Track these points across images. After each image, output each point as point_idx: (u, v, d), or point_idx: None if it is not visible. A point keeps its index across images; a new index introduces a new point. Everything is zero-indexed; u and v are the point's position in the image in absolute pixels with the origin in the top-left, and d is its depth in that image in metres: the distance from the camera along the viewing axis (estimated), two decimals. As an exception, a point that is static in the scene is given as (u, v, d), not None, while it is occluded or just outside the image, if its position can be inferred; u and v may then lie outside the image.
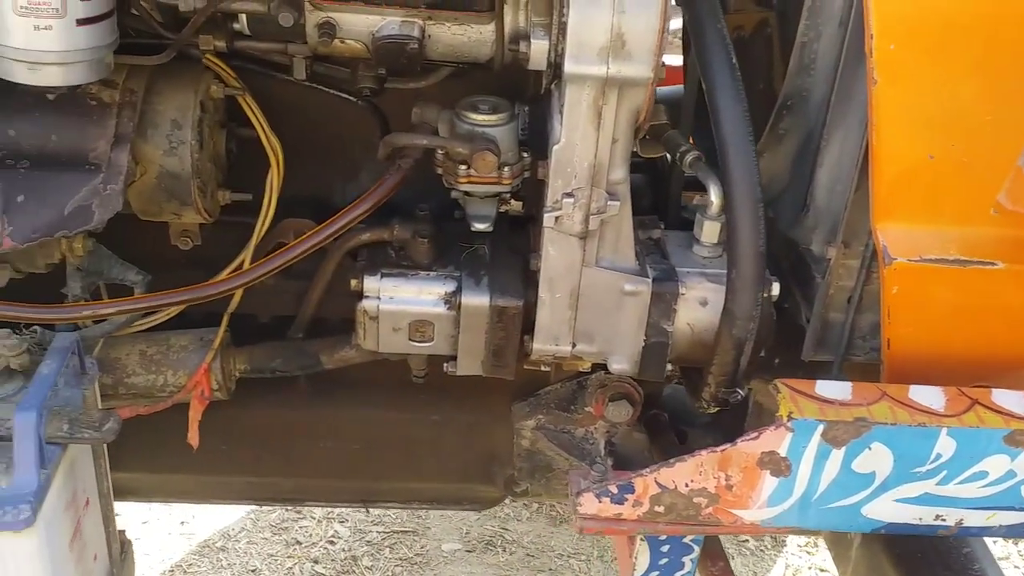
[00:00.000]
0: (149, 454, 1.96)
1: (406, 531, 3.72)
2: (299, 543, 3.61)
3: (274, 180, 1.75)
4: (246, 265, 1.77)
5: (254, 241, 1.77)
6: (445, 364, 1.73)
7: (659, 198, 1.96)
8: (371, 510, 3.57)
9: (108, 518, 1.61)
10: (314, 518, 3.72)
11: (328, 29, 1.46)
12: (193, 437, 1.85)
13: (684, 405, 2.17)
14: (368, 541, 3.66)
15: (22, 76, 1.40)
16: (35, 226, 1.51)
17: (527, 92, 1.74)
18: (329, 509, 3.74)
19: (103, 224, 1.52)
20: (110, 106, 1.57)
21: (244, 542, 3.58)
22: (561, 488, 2.12)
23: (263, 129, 1.72)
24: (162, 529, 3.56)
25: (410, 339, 1.67)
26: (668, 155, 1.85)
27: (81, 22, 1.38)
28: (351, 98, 1.74)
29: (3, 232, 1.51)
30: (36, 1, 1.33)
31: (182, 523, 3.60)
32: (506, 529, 3.75)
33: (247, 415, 2.01)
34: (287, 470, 2.10)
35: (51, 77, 1.41)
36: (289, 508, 3.49)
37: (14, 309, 1.47)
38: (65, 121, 1.56)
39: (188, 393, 1.81)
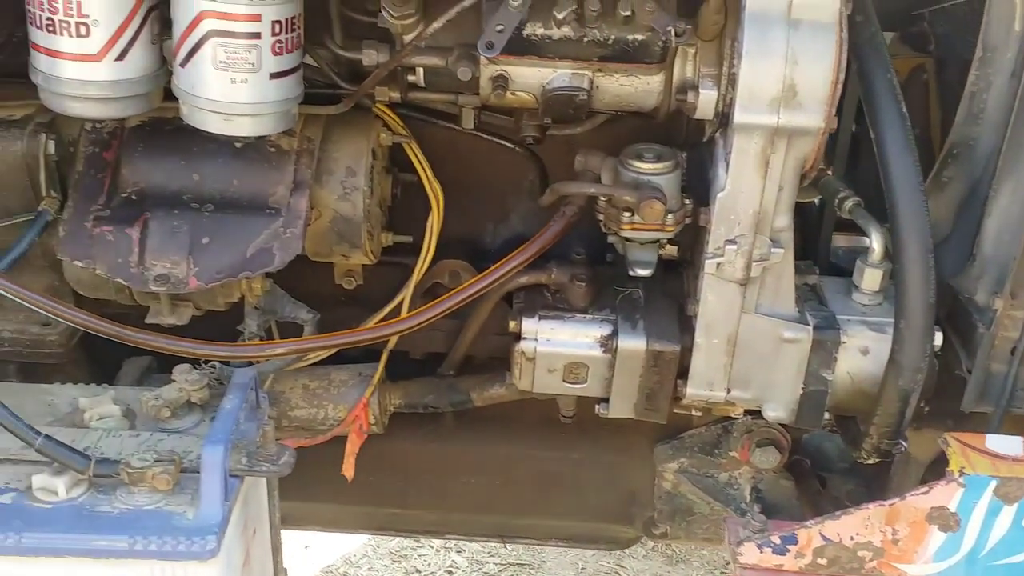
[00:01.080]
0: (301, 484, 2.04)
1: (522, 564, 3.74)
2: (418, 571, 3.66)
3: (434, 223, 1.81)
4: (406, 304, 1.83)
5: (414, 281, 1.83)
6: (597, 406, 1.75)
7: (807, 242, 1.95)
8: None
9: (276, 548, 1.67)
10: (432, 547, 3.77)
11: (502, 82, 1.51)
12: (349, 469, 1.91)
13: (822, 450, 2.15)
14: (485, 572, 3.69)
15: (216, 126, 1.49)
16: (219, 267, 1.60)
17: (679, 138, 1.77)
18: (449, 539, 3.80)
19: (283, 266, 1.60)
20: (289, 153, 1.65)
21: (365, 568, 3.66)
22: (701, 532, 2.11)
23: (426, 174, 1.79)
24: (285, 553, 3.66)
25: (564, 380, 1.70)
26: (819, 199, 1.85)
27: (273, 76, 1.46)
28: (509, 145, 1.80)
29: (189, 272, 1.60)
30: (234, 57, 1.42)
31: (305, 547, 3.69)
32: (622, 566, 3.74)
33: (394, 448, 2.06)
34: (430, 503, 2.15)
35: (243, 128, 1.49)
36: (408, 536, 3.53)
37: (200, 346, 1.55)
38: (247, 167, 1.65)
39: (347, 427, 1.88)
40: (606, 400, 1.73)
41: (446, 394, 1.94)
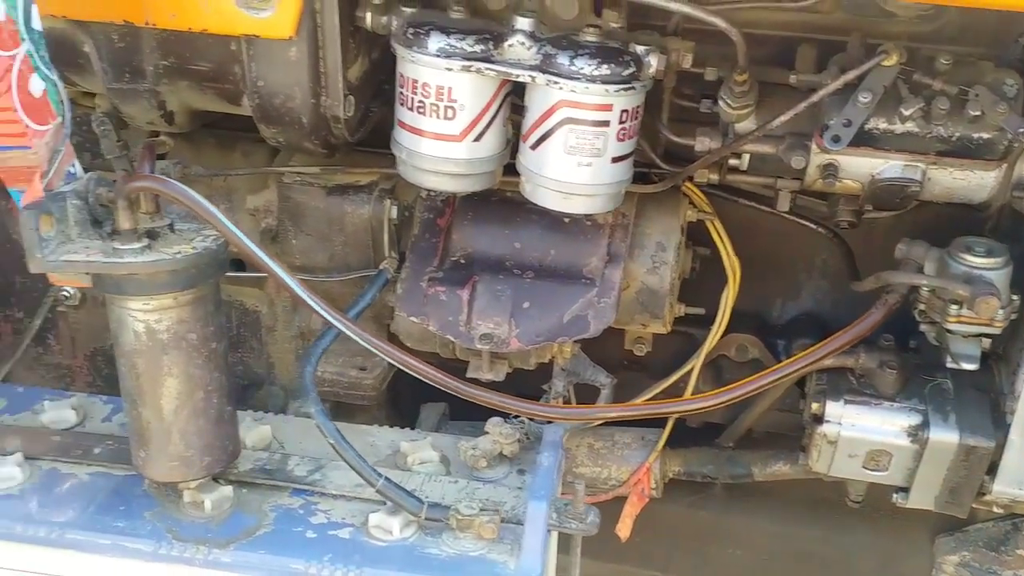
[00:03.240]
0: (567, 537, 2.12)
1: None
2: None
3: (730, 296, 1.86)
4: (695, 374, 1.89)
5: (705, 351, 1.88)
6: (894, 495, 1.73)
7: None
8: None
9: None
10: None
11: (832, 171, 1.55)
12: (625, 531, 1.97)
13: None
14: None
15: (555, 203, 1.60)
16: (539, 331, 1.71)
17: (980, 228, 1.75)
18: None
19: (597, 334, 1.69)
20: (604, 227, 1.75)
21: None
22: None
23: (726, 250, 1.84)
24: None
25: (864, 466, 1.70)
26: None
27: (614, 160, 1.56)
28: (813, 226, 1.83)
29: (511, 333, 1.72)
30: (583, 142, 1.52)
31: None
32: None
33: (662, 512, 2.11)
34: (692, 571, 2.17)
35: (580, 206, 1.60)
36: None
37: (527, 406, 1.64)
38: (564, 239, 1.76)
39: (627, 489, 1.94)
40: (905, 489, 1.71)
41: (726, 466, 1.97)
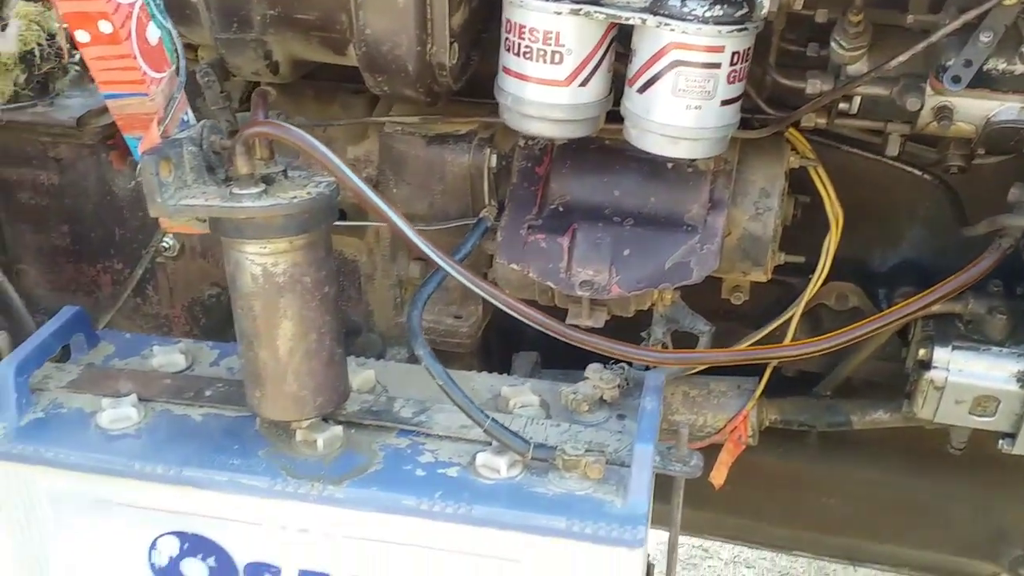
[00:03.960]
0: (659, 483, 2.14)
1: (815, 587, 3.70)
2: (708, 582, 3.71)
3: (832, 244, 1.84)
4: (794, 322, 1.88)
5: (805, 299, 1.87)
6: (1000, 441, 1.72)
7: None
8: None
9: (673, 546, 1.76)
10: (721, 559, 3.80)
11: (946, 113, 1.53)
12: (720, 478, 1.98)
13: None
14: (775, 591, 3.68)
15: (660, 148, 1.59)
16: (639, 277, 1.71)
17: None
18: (736, 552, 3.81)
19: (700, 280, 1.69)
20: (705, 173, 1.74)
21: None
22: (1076, 578, 2.02)
23: (829, 197, 1.82)
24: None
25: (970, 412, 1.69)
26: None
27: (724, 103, 1.55)
28: (919, 172, 1.80)
29: (611, 280, 1.72)
30: (693, 85, 1.51)
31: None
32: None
33: (758, 461, 2.11)
34: (784, 519, 2.18)
35: (686, 150, 1.59)
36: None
37: (633, 350, 1.65)
38: (665, 186, 1.75)
39: (724, 436, 1.95)
40: (1011, 436, 1.69)
41: (824, 414, 1.97)
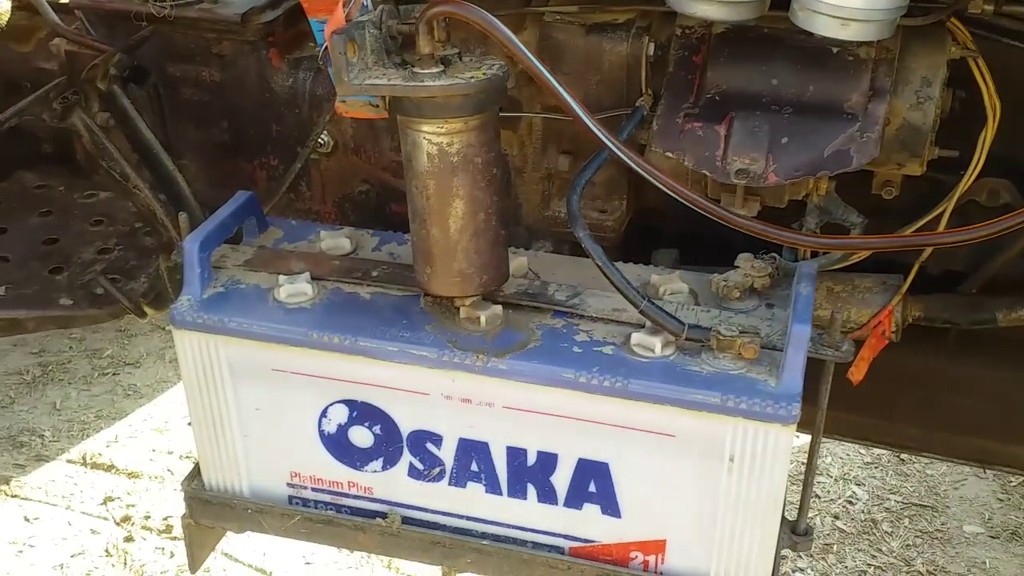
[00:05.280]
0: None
1: (924, 505, 3.70)
2: (818, 497, 3.74)
3: (987, 138, 1.82)
4: (945, 216, 1.87)
5: (959, 192, 1.86)
6: None
7: None
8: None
9: (819, 429, 1.80)
10: (831, 476, 3.82)
11: None
12: (860, 373, 2.00)
13: None
14: (887, 508, 3.69)
15: (830, 30, 1.59)
16: (797, 165, 1.73)
17: None
18: (846, 470, 3.83)
19: (860, 167, 1.70)
20: (866, 61, 1.74)
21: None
22: None
23: (988, 90, 1.80)
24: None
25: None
26: None
27: (894, -14, 1.54)
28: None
29: (768, 168, 1.74)
30: (866, -34, 1.51)
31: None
32: (1041, 517, 3.58)
33: (892, 359, 2.12)
34: (918, 419, 2.20)
35: (856, 32, 1.59)
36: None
37: (789, 233, 1.65)
38: (824, 74, 1.75)
39: (867, 331, 1.97)
40: None
41: (968, 311, 1.97)
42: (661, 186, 1.57)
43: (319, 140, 2.26)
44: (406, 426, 1.79)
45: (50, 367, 4.35)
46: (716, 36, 1.82)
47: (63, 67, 2.23)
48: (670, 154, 1.79)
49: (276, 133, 2.35)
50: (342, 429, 1.82)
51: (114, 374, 4.33)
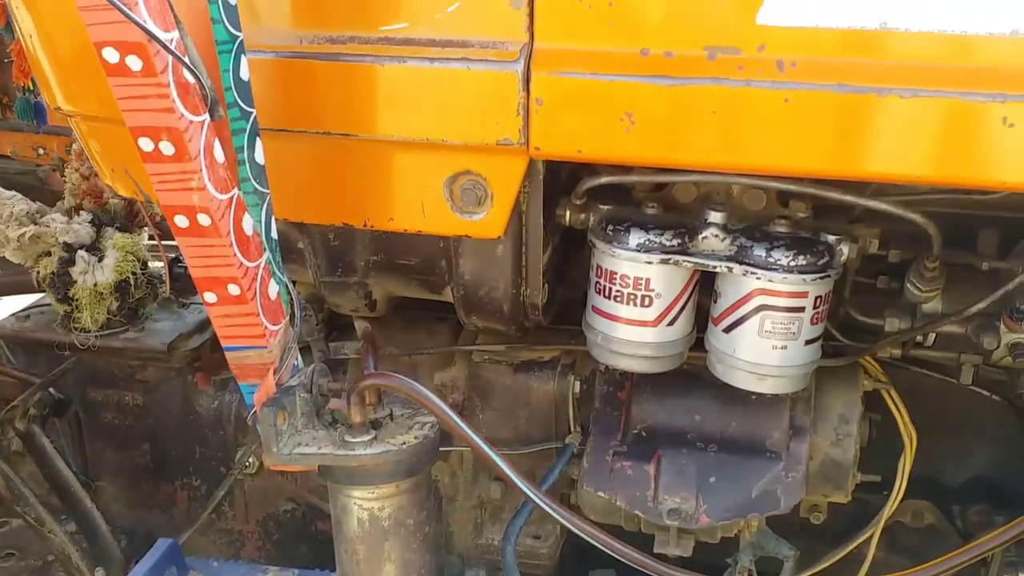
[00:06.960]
0: None
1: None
2: None
3: (907, 464, 1.87)
4: (874, 541, 1.89)
5: (884, 518, 1.88)
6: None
7: None
8: None
9: None
10: None
11: (1020, 350, 1.60)
12: None
13: None
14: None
15: (747, 383, 1.66)
16: (727, 506, 1.74)
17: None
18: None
19: (788, 510, 1.72)
20: (784, 399, 1.80)
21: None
22: None
23: (903, 418, 1.87)
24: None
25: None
26: None
27: (807, 342, 1.62)
28: (989, 395, 1.86)
29: (699, 509, 1.75)
30: (779, 327, 1.59)
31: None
32: None
33: None
34: None
35: (772, 386, 1.65)
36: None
37: None
38: (745, 412, 1.81)
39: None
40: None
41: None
42: (591, 539, 1.56)
43: (247, 462, 2.21)
44: None
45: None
46: (639, 374, 1.87)
47: (-20, 396, 2.17)
48: (602, 494, 1.79)
49: (199, 454, 2.30)
50: None
51: None
